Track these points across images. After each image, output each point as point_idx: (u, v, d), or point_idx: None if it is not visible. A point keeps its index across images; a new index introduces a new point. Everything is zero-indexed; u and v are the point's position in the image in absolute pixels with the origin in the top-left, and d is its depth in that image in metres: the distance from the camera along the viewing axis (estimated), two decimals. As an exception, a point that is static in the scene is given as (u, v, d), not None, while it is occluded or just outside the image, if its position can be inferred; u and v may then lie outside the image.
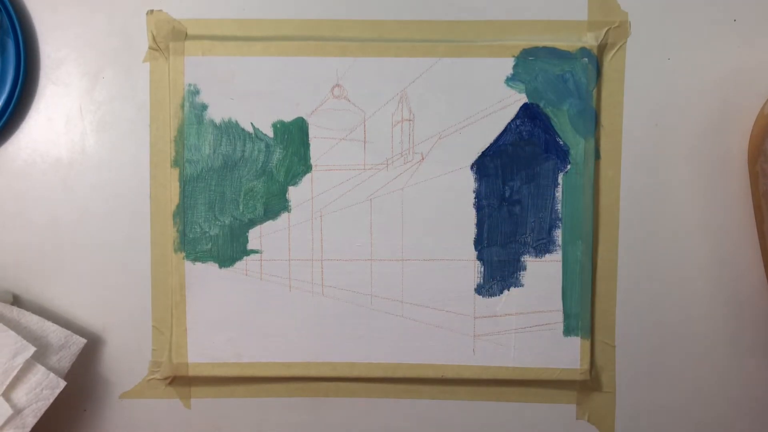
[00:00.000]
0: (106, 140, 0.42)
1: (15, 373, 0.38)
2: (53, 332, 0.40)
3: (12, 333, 0.38)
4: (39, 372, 0.39)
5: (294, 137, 0.41)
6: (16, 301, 0.42)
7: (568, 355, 0.41)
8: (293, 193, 0.42)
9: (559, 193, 0.41)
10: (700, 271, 0.42)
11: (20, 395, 0.38)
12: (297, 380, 0.43)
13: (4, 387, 0.38)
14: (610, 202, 0.41)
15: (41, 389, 0.39)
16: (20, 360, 0.38)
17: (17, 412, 0.38)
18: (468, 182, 0.41)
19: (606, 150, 0.41)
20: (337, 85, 0.41)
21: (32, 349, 0.38)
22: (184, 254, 0.42)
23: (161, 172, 0.42)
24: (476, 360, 0.42)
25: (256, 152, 0.41)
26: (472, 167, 0.41)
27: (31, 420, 0.38)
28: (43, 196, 0.42)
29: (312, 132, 0.41)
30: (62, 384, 0.39)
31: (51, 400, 0.39)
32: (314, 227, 0.42)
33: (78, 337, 0.41)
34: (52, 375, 0.39)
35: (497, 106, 0.41)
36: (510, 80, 0.41)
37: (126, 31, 0.41)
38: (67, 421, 0.42)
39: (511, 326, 0.41)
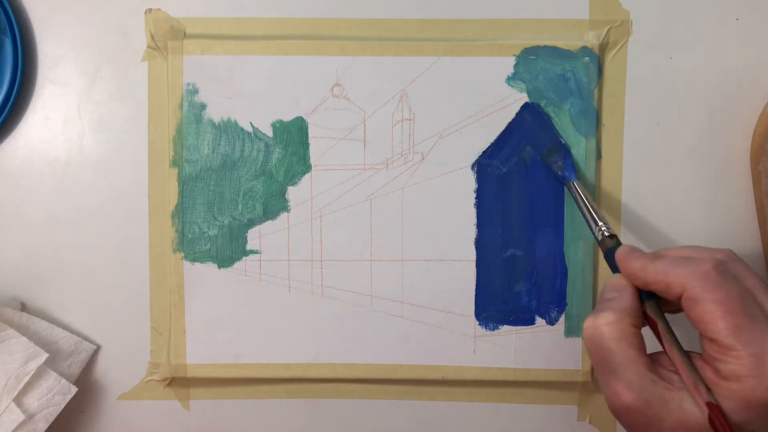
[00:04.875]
0: (104, 140, 0.42)
1: (27, 378, 0.38)
2: (63, 338, 0.40)
3: (24, 339, 0.39)
4: (51, 377, 0.39)
5: (293, 137, 0.41)
6: (22, 305, 0.42)
7: (569, 356, 0.41)
8: (292, 193, 0.41)
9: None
10: (702, 271, 0.41)
11: (32, 401, 0.39)
12: (296, 381, 0.42)
13: (16, 392, 0.38)
14: (611, 203, 0.41)
15: (53, 395, 0.39)
16: (33, 366, 0.38)
17: (29, 417, 0.38)
18: (468, 182, 0.41)
19: (607, 149, 0.41)
20: (337, 85, 0.41)
21: (45, 355, 0.38)
22: (182, 254, 0.41)
23: (160, 172, 0.42)
24: (477, 361, 0.41)
25: (255, 152, 0.41)
26: (472, 167, 0.41)
27: (42, 425, 0.39)
28: (41, 196, 0.42)
29: (311, 131, 0.41)
30: (74, 390, 0.39)
31: (62, 406, 0.39)
32: (314, 227, 0.41)
33: (88, 343, 0.41)
34: (63, 380, 0.39)
35: (498, 105, 0.40)
36: (511, 79, 0.40)
37: (124, 29, 0.41)
38: (64, 423, 0.42)
39: (512, 327, 0.41)
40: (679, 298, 0.28)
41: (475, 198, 0.41)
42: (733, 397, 0.26)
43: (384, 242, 0.41)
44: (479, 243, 0.41)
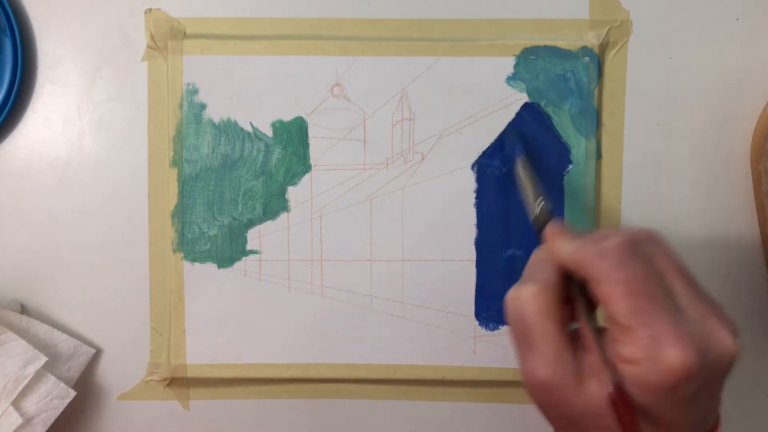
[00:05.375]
0: (104, 140, 0.42)
1: (26, 382, 0.38)
2: (63, 342, 0.40)
3: (23, 342, 0.38)
4: (49, 381, 0.39)
5: (293, 137, 0.41)
6: (22, 306, 0.42)
7: (569, 356, 0.41)
8: (292, 193, 0.41)
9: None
10: (702, 271, 0.41)
11: (30, 404, 0.39)
12: (296, 381, 0.42)
13: (15, 396, 0.38)
14: (611, 203, 0.41)
15: (51, 398, 0.39)
16: (31, 369, 0.38)
17: (27, 420, 0.38)
18: (468, 182, 0.41)
19: (607, 149, 0.41)
20: (337, 85, 0.41)
21: (44, 359, 0.38)
22: (182, 254, 0.41)
23: (160, 172, 0.42)
24: (477, 361, 0.41)
25: (255, 152, 0.41)
26: (472, 167, 0.41)
27: (40, 429, 0.39)
28: (41, 196, 0.42)
29: (311, 131, 0.41)
30: (72, 393, 0.39)
31: (61, 410, 0.39)
32: (313, 227, 0.41)
33: (87, 346, 0.41)
34: (62, 384, 0.39)
35: (498, 105, 0.40)
36: (511, 79, 0.40)
37: (124, 29, 0.41)
38: (64, 423, 0.42)
39: (512, 327, 0.41)
40: (588, 277, 0.27)
41: (475, 198, 0.41)
42: (631, 381, 0.25)
43: (384, 242, 0.41)
44: (479, 243, 0.41)
